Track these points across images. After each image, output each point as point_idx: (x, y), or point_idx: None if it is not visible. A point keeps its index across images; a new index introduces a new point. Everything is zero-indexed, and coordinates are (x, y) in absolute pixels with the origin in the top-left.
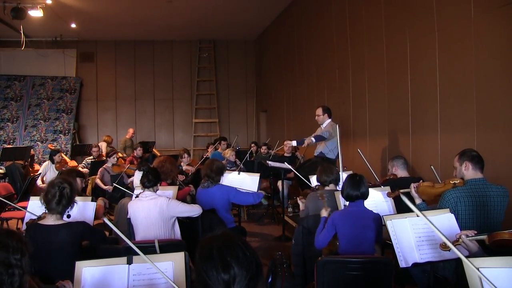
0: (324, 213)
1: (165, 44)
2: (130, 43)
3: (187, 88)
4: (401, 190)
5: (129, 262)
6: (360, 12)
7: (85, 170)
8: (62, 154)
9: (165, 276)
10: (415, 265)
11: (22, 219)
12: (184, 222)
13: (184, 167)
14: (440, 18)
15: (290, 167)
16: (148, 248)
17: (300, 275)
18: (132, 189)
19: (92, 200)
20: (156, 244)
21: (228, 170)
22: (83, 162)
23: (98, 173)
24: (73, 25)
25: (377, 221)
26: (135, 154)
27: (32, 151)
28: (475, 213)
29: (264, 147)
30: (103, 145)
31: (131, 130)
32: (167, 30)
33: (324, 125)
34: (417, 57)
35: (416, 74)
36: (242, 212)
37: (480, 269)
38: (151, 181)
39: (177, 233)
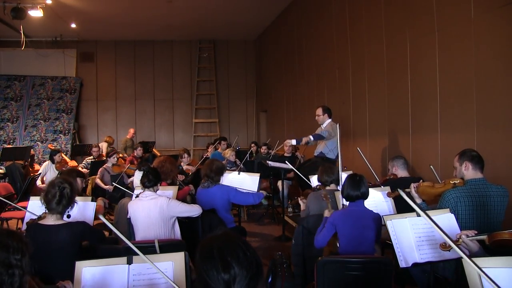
0: (327, 213)
1: (165, 44)
2: (130, 43)
3: (187, 88)
4: (399, 190)
5: (129, 262)
6: (360, 12)
7: (85, 170)
8: (62, 154)
9: (165, 276)
10: (415, 265)
11: (22, 219)
12: (184, 222)
13: (185, 167)
14: (440, 18)
15: (290, 166)
16: (148, 248)
17: (300, 275)
18: (132, 189)
19: (92, 200)
20: (156, 244)
21: (228, 170)
22: (83, 162)
23: (98, 173)
24: (73, 25)
25: (377, 221)
26: (135, 154)
27: (32, 151)
28: (475, 213)
29: (264, 147)
30: (104, 145)
31: (131, 130)
32: (167, 30)
33: (324, 125)
34: (417, 57)
35: (416, 74)
36: (242, 212)
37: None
38: (151, 181)
39: (177, 233)
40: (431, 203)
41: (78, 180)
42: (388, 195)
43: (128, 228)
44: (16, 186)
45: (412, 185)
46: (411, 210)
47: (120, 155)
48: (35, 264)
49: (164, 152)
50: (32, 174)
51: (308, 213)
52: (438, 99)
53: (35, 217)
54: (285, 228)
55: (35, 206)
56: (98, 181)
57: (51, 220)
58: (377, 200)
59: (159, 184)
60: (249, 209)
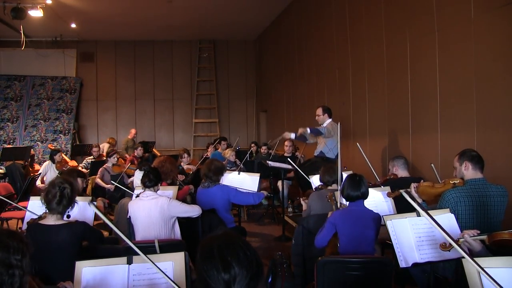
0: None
1: (165, 44)
2: (130, 43)
3: (187, 88)
4: (401, 190)
5: (129, 262)
6: (360, 12)
7: (85, 170)
8: (62, 154)
9: (166, 276)
10: (415, 265)
11: (22, 219)
12: (184, 222)
13: (185, 167)
14: (440, 18)
15: (292, 164)
16: (148, 248)
17: (300, 275)
18: (132, 189)
19: (91, 200)
20: (156, 244)
21: (228, 170)
22: (83, 162)
23: (98, 173)
24: (73, 25)
25: (377, 221)
26: (135, 154)
27: (32, 151)
28: (475, 213)
29: (264, 147)
30: (105, 146)
31: (133, 131)
32: (167, 30)
33: (324, 125)
34: (417, 57)
35: (416, 74)
36: (242, 212)
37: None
38: (152, 181)
39: (177, 233)
40: (431, 203)
41: (79, 180)
42: (388, 195)
43: (128, 228)
44: (16, 186)
45: (412, 185)
46: (411, 210)
47: (126, 155)
48: (36, 264)
49: (164, 152)
50: (32, 174)
51: (309, 212)
52: (438, 99)
53: (35, 216)
54: (285, 228)
55: (35, 206)
56: (99, 180)
57: (52, 220)
58: (377, 200)
59: (159, 184)
60: (249, 209)
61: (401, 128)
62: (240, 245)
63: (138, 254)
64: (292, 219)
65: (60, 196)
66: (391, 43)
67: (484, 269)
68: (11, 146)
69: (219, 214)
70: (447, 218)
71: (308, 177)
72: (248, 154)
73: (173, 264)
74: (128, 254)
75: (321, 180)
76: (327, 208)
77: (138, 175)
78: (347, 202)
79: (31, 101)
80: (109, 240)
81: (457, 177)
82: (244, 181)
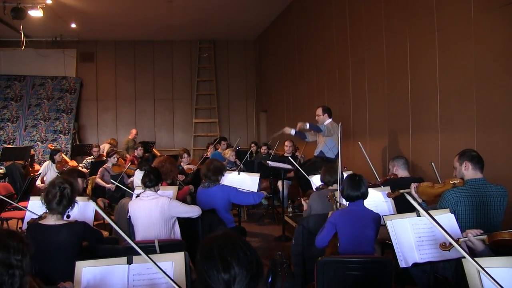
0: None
1: (165, 44)
2: (130, 43)
3: (187, 88)
4: (401, 191)
5: (129, 262)
6: (360, 12)
7: (85, 170)
8: (62, 154)
9: (166, 276)
10: (415, 265)
11: (22, 219)
12: (184, 222)
13: (185, 167)
14: (440, 18)
15: (293, 162)
16: (148, 248)
17: (300, 275)
18: (132, 189)
19: (89, 199)
20: (156, 244)
21: (228, 170)
22: (83, 162)
23: (98, 173)
24: (73, 25)
25: (377, 221)
26: (135, 154)
27: (32, 151)
28: (475, 213)
29: (264, 147)
30: (106, 147)
31: (134, 131)
32: (167, 30)
33: (324, 124)
34: (417, 57)
35: (416, 74)
36: (242, 212)
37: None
38: (152, 181)
39: (177, 233)
40: (431, 203)
41: (79, 180)
42: (388, 195)
43: (128, 228)
44: (16, 186)
45: (412, 185)
46: (411, 210)
47: (126, 155)
48: (36, 264)
49: (164, 152)
50: (32, 174)
51: (309, 212)
52: (438, 99)
53: (35, 216)
54: (285, 228)
55: (35, 206)
56: (99, 180)
57: (52, 220)
58: (377, 200)
59: (160, 184)
60: (249, 209)
61: (401, 128)
62: (240, 245)
63: (138, 254)
64: (292, 219)
65: (60, 196)
66: (391, 43)
67: (485, 268)
68: (11, 146)
69: (219, 214)
70: (447, 218)
71: (307, 179)
72: (248, 154)
73: (173, 264)
74: (128, 254)
75: (322, 180)
76: (327, 208)
77: (138, 175)
78: (347, 202)
79: (31, 101)
80: (109, 240)
81: (457, 177)
82: (244, 181)
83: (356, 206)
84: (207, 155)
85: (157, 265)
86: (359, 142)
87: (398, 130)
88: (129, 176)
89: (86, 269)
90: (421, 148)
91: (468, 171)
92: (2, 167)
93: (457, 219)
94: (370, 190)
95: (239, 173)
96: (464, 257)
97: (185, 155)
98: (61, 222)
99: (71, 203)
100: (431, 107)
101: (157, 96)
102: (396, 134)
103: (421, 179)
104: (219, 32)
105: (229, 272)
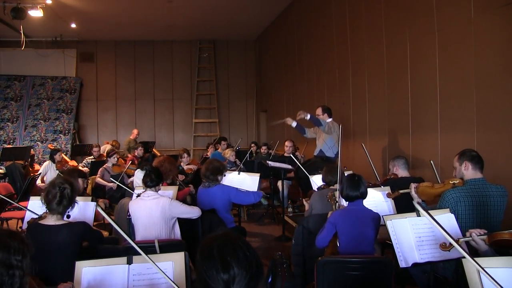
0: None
1: (165, 44)
2: (130, 43)
3: (187, 88)
4: (401, 191)
5: (129, 262)
6: (360, 12)
7: (86, 169)
8: (62, 154)
9: (166, 276)
10: (415, 265)
11: (22, 219)
12: (184, 222)
13: (185, 167)
14: (440, 18)
15: (295, 160)
16: (148, 248)
17: (300, 275)
18: (133, 189)
19: (92, 200)
20: (156, 244)
21: (228, 170)
22: (83, 161)
23: (98, 172)
24: (73, 25)
25: (376, 221)
26: (135, 154)
27: (32, 151)
28: (474, 213)
29: (264, 147)
30: (106, 147)
31: (135, 131)
32: (167, 30)
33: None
34: (417, 57)
35: (416, 74)
36: (242, 212)
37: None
38: (153, 181)
39: (177, 233)
40: (430, 203)
41: (80, 180)
42: (388, 195)
43: (128, 228)
44: (16, 186)
45: (412, 185)
46: (411, 210)
47: (129, 155)
48: (36, 264)
49: (164, 152)
50: (32, 174)
51: (311, 212)
52: (438, 99)
53: (35, 216)
54: (285, 228)
55: (35, 206)
56: (99, 179)
57: (52, 220)
58: (377, 200)
59: (161, 184)
60: (249, 209)
61: (401, 128)
62: (239, 245)
63: (138, 254)
64: (292, 219)
65: (60, 197)
66: (391, 43)
67: (484, 269)
68: (11, 146)
69: (219, 214)
70: (447, 218)
71: (307, 179)
72: (248, 154)
73: (173, 264)
74: (128, 254)
75: (323, 180)
76: (328, 208)
77: (138, 175)
78: (346, 203)
79: (31, 101)
80: (109, 240)
81: (457, 177)
82: (244, 181)
83: (356, 205)
84: (207, 155)
85: (156, 265)
86: (362, 144)
87: (398, 130)
88: (129, 176)
89: (86, 269)
90: (421, 148)
91: (468, 171)
92: (2, 167)
93: (457, 219)
94: (370, 190)
95: (239, 173)
96: (464, 257)
97: (185, 155)
98: (61, 222)
99: (71, 203)
100: (431, 107)
101: (157, 96)
102: (396, 134)
103: (421, 179)
104: (219, 32)
105: (228, 272)
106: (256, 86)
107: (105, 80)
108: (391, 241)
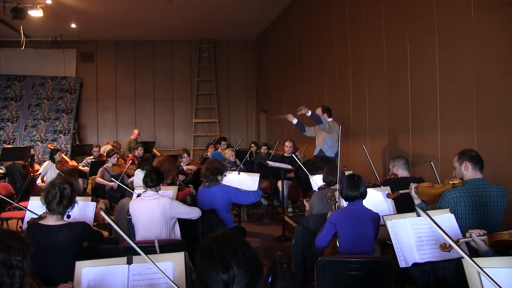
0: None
1: (165, 44)
2: (130, 43)
3: (187, 88)
4: (401, 191)
5: (129, 262)
6: (360, 12)
7: (86, 168)
8: (62, 154)
9: (166, 276)
10: (415, 265)
11: (22, 219)
12: (184, 222)
13: (185, 167)
14: (440, 18)
15: (296, 159)
16: (148, 248)
17: (300, 275)
18: (133, 189)
19: (92, 200)
20: (156, 244)
21: (228, 170)
22: (83, 161)
23: (98, 172)
24: (73, 25)
25: (376, 220)
26: (135, 154)
27: (32, 151)
28: (474, 213)
29: (264, 147)
30: (107, 148)
31: (136, 131)
32: (167, 30)
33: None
34: (417, 57)
35: (416, 74)
36: (242, 212)
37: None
38: (154, 181)
39: (177, 233)
40: (430, 203)
41: (80, 180)
42: (388, 196)
43: (128, 228)
44: (16, 186)
45: (412, 185)
46: (411, 210)
47: (129, 155)
48: (36, 265)
49: (164, 152)
50: (32, 174)
51: (311, 212)
52: (438, 99)
53: (35, 216)
54: (285, 228)
55: (35, 206)
56: (100, 179)
57: (52, 221)
58: (377, 200)
59: (161, 184)
60: (249, 209)
61: (401, 128)
62: (239, 245)
63: (138, 254)
64: (292, 219)
65: (60, 197)
66: (391, 43)
67: (484, 269)
68: (11, 146)
69: (219, 214)
70: (447, 218)
71: (307, 179)
72: (248, 154)
73: (173, 264)
74: (128, 254)
75: (324, 180)
76: (328, 208)
77: (139, 175)
78: (346, 203)
79: (31, 101)
80: (109, 240)
81: (457, 177)
82: (244, 181)
83: (356, 205)
84: (207, 155)
85: (156, 265)
86: (363, 146)
87: (398, 130)
88: (129, 176)
89: (86, 269)
90: (421, 148)
91: (468, 171)
92: (2, 167)
93: (457, 219)
94: (370, 190)
95: (239, 173)
96: (463, 258)
97: (185, 155)
98: (61, 222)
99: (71, 203)
100: (431, 107)
101: (157, 96)
102: (396, 134)
103: (421, 179)
104: (219, 32)
105: (228, 273)
106: (256, 86)
107: (105, 80)
108: (391, 241)
